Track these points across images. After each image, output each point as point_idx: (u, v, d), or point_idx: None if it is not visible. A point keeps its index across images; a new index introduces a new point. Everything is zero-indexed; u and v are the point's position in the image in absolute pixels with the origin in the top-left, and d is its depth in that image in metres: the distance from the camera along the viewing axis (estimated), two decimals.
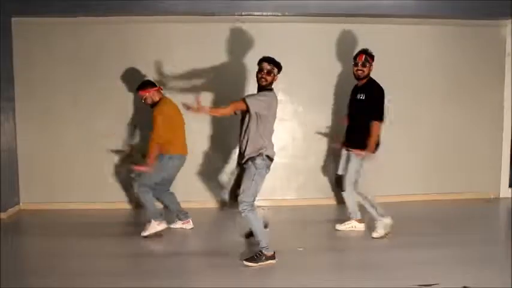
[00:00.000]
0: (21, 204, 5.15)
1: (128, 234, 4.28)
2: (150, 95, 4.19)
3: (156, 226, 4.21)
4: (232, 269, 3.40)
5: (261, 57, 3.61)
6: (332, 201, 5.26)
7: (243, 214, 3.44)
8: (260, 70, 3.55)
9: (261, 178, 3.50)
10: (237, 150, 3.77)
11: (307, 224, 4.60)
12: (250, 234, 4.00)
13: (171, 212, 4.46)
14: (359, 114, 4.01)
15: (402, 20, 5.17)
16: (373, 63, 4.02)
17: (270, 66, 3.53)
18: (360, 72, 3.97)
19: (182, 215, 4.45)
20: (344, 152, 4.21)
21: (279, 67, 3.58)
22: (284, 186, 5.26)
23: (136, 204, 5.02)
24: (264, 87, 3.56)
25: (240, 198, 3.46)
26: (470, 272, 3.26)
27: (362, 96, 3.99)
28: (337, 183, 4.33)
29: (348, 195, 4.18)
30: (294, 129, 5.22)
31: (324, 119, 5.23)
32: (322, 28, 5.15)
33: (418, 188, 5.39)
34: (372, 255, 3.74)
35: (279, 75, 3.61)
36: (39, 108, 5.09)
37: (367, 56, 3.97)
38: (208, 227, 4.62)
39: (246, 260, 3.42)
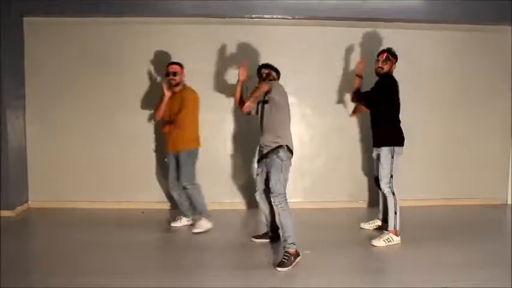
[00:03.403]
0: (29, 202, 5.20)
1: (136, 232, 4.29)
2: (181, 71, 4.23)
3: (207, 224, 4.25)
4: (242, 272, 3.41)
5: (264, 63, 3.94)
6: (339, 205, 5.27)
7: (279, 206, 3.52)
8: (260, 77, 3.83)
9: (287, 169, 3.60)
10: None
11: (315, 226, 4.59)
12: (261, 237, 4.07)
13: (181, 208, 4.48)
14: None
15: (411, 25, 5.18)
16: (395, 63, 4.08)
17: (267, 70, 3.84)
18: (379, 69, 4.05)
19: (190, 213, 4.48)
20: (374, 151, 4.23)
21: (276, 71, 3.85)
22: (291, 188, 5.23)
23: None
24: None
25: (273, 192, 3.53)
26: (478, 277, 3.25)
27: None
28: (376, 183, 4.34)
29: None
30: (301, 131, 5.23)
31: (331, 121, 5.25)
32: (330, 31, 5.17)
33: (425, 194, 5.38)
34: (381, 259, 3.74)
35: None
36: (48, 107, 5.15)
37: (389, 54, 4.04)
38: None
39: (278, 266, 3.40)
